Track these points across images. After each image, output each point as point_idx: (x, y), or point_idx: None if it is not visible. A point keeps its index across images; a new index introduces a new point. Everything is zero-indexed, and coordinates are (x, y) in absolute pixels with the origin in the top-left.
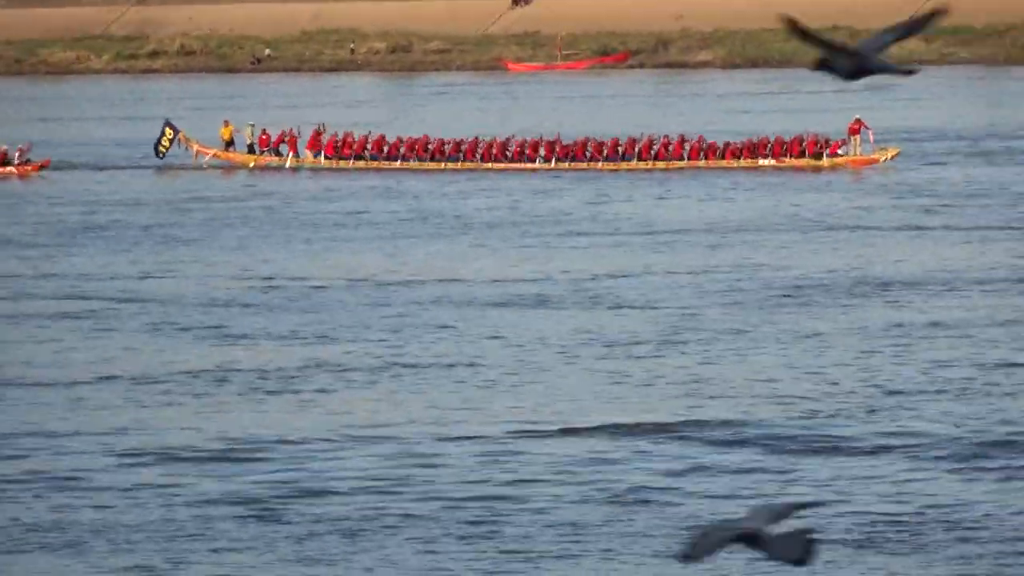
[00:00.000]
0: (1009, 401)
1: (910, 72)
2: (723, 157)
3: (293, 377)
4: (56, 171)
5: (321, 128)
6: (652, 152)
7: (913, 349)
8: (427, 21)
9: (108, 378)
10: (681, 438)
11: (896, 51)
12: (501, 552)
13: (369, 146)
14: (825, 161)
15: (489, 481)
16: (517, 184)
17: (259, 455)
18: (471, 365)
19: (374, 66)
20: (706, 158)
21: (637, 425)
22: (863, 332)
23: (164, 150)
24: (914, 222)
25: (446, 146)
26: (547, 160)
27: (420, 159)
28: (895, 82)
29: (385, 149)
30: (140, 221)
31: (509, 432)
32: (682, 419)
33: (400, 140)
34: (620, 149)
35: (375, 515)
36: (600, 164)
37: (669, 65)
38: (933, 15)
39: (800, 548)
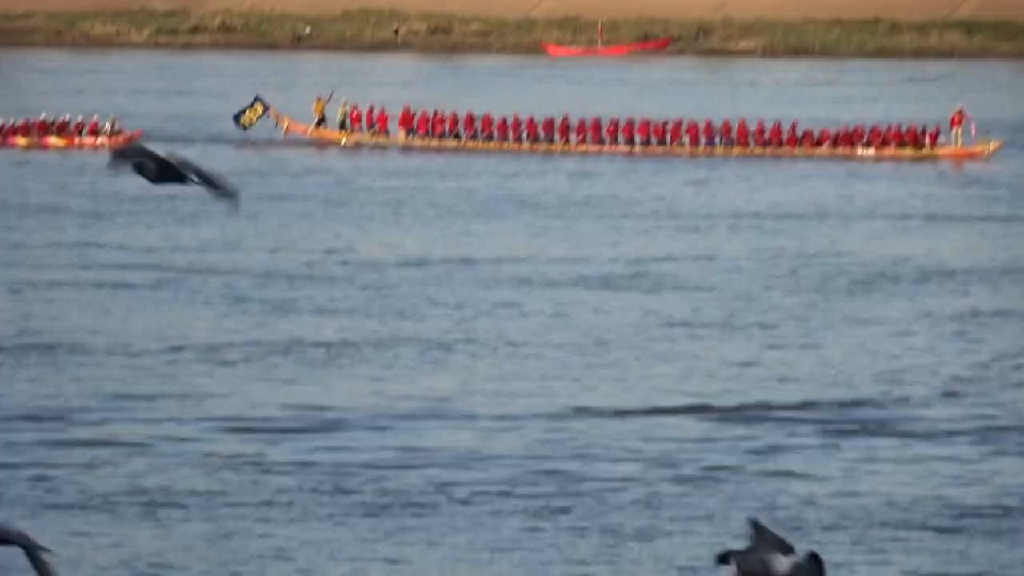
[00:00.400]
0: None
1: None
2: (818, 144)
3: (363, 351)
4: (146, 142)
5: (413, 108)
6: (748, 138)
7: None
8: (468, 2)
9: (182, 347)
10: (744, 420)
11: (935, 42)
12: (564, 529)
13: (462, 124)
14: (925, 151)
15: (552, 458)
16: (612, 166)
17: (324, 428)
18: (540, 344)
19: (414, 47)
20: (801, 145)
21: (702, 407)
22: (944, 319)
23: (249, 123)
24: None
25: (538, 126)
26: (644, 143)
27: (516, 139)
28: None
29: (478, 127)
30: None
31: (573, 410)
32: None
33: (491, 119)
34: (714, 134)
35: (442, 490)
36: (696, 148)
37: (710, 52)
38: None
39: None
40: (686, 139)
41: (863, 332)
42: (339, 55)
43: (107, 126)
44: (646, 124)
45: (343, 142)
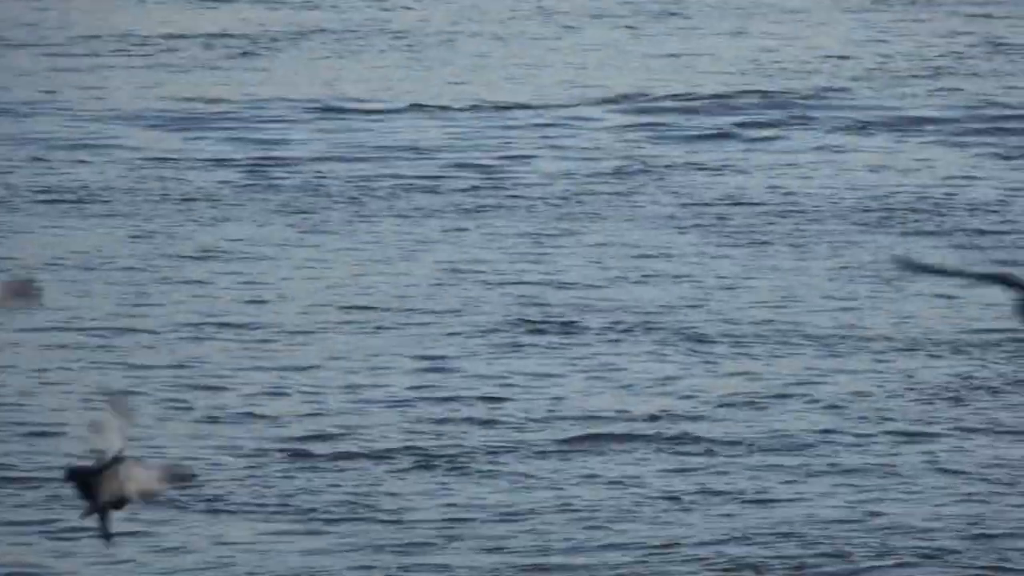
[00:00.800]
0: None
1: None
2: None
3: (282, 41)
4: None
5: None
6: None
7: None
8: None
9: (98, 37)
10: (668, 111)
11: None
12: (489, 227)
13: None
14: None
15: (452, 148)
16: None
17: (242, 121)
18: (456, 35)
19: None
20: None
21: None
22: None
23: None
24: None
25: None
26: None
27: None
28: None
29: None
30: None
31: (493, 103)
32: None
33: None
34: None
35: (363, 185)
36: None
37: None
38: None
39: None
40: None
41: (787, 22)
42: None
43: None
44: None
45: None
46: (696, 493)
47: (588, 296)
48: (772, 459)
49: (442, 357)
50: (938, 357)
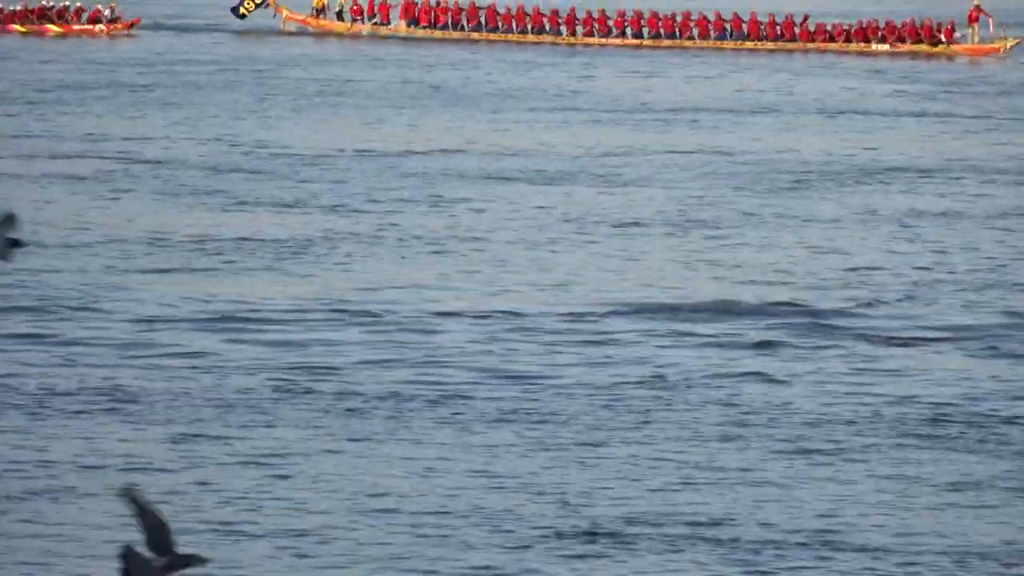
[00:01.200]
0: None
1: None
2: (832, 40)
3: (317, 245)
4: (145, 30)
5: None
6: (760, 31)
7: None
8: None
9: (130, 240)
10: (705, 320)
11: None
12: (520, 435)
13: (466, 16)
14: (941, 47)
15: (491, 355)
16: (613, 59)
17: (261, 324)
18: (492, 240)
19: None
20: (815, 40)
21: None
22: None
23: (247, 12)
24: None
25: (544, 17)
26: (652, 35)
27: (520, 31)
28: None
29: (483, 19)
30: (221, 83)
31: (523, 308)
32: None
33: (495, 10)
34: (727, 27)
35: (398, 392)
36: (705, 42)
37: None
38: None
39: None
40: (695, 32)
41: (819, 232)
42: None
43: (107, 13)
44: (655, 16)
45: (343, 33)
46: None
47: (634, 506)
48: None
49: (487, 567)
50: (972, 570)
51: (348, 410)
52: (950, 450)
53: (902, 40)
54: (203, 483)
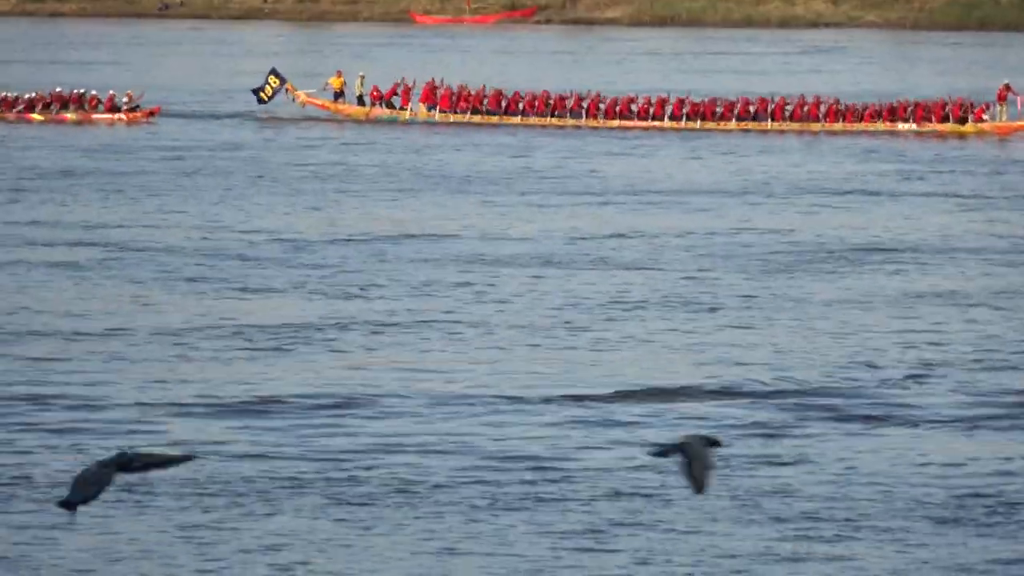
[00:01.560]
0: None
1: None
2: (861, 120)
3: (320, 332)
4: (164, 117)
5: (437, 82)
6: (786, 113)
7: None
8: None
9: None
10: (724, 403)
11: (802, 11)
12: (535, 521)
13: (486, 100)
14: (970, 127)
15: (492, 440)
16: (640, 143)
17: (273, 414)
18: (496, 325)
19: (281, 15)
20: (844, 120)
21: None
22: (947, 298)
23: (267, 97)
24: None
25: (567, 101)
26: (675, 118)
27: (540, 115)
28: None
29: (503, 104)
30: (248, 170)
31: (528, 393)
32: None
33: (519, 95)
34: (751, 108)
35: (410, 477)
36: (730, 124)
37: (577, 21)
38: None
39: None
40: (720, 112)
41: (835, 314)
42: (206, 23)
43: (124, 100)
44: (680, 101)
45: (362, 118)
46: None
47: None
48: None
49: None
50: None
51: (350, 499)
52: (952, 530)
53: (929, 120)
54: (203, 572)
